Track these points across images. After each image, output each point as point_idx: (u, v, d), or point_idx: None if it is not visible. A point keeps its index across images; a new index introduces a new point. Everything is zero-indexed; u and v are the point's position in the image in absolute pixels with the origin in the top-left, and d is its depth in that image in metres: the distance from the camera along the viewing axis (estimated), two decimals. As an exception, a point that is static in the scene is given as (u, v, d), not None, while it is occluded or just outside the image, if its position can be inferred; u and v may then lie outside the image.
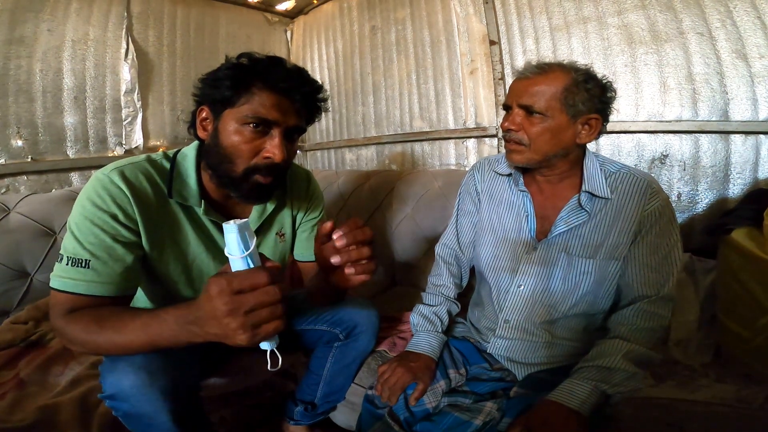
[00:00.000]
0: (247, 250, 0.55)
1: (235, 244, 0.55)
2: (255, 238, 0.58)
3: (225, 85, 0.76)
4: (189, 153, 0.87)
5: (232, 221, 0.55)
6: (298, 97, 0.79)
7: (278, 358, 0.64)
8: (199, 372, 1.00)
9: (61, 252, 0.74)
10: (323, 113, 0.89)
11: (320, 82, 0.85)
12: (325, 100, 0.87)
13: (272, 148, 0.78)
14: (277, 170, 0.81)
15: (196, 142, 0.88)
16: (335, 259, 0.69)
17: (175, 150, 0.89)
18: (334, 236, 0.68)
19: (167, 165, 0.85)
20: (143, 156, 0.84)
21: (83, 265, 0.72)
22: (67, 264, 0.72)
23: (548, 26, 1.73)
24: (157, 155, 0.86)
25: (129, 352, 0.68)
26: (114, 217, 0.74)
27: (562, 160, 0.90)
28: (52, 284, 0.73)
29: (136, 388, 0.69)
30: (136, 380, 0.69)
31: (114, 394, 0.71)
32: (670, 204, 0.89)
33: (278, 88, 0.77)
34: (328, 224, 0.67)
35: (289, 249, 1.07)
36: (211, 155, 0.82)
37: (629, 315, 0.86)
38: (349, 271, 0.68)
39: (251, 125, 0.76)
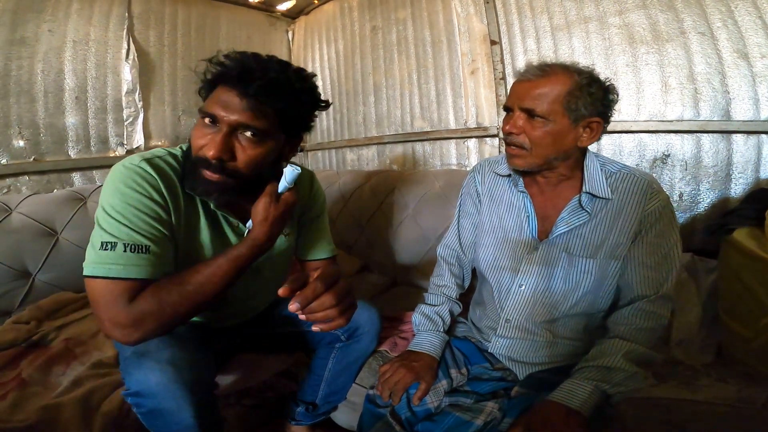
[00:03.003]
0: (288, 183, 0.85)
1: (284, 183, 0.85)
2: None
3: (204, 82, 0.81)
4: None
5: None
6: (251, 91, 0.74)
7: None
8: (215, 369, 1.00)
9: (108, 240, 0.70)
10: (321, 112, 0.88)
11: (292, 73, 0.81)
12: (298, 92, 0.81)
13: (210, 142, 0.76)
14: (221, 169, 0.76)
15: None
16: (301, 317, 0.61)
17: (188, 144, 0.89)
18: (290, 307, 0.57)
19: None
20: (164, 149, 0.86)
21: (143, 250, 0.71)
22: (125, 251, 0.70)
23: (549, 26, 1.72)
24: (176, 150, 0.88)
25: (216, 289, 0.75)
26: (156, 202, 0.76)
27: (563, 162, 0.90)
28: (107, 273, 0.69)
29: (162, 384, 0.70)
30: (162, 377, 0.70)
31: (140, 391, 0.72)
32: (670, 204, 0.89)
33: (230, 83, 0.75)
34: (283, 290, 0.56)
35: (293, 246, 1.08)
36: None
37: (628, 315, 0.87)
38: (315, 328, 0.62)
39: (205, 119, 0.77)
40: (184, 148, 0.89)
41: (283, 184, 0.85)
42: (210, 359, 0.86)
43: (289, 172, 0.84)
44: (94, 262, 0.70)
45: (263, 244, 0.82)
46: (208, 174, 0.77)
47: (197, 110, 0.80)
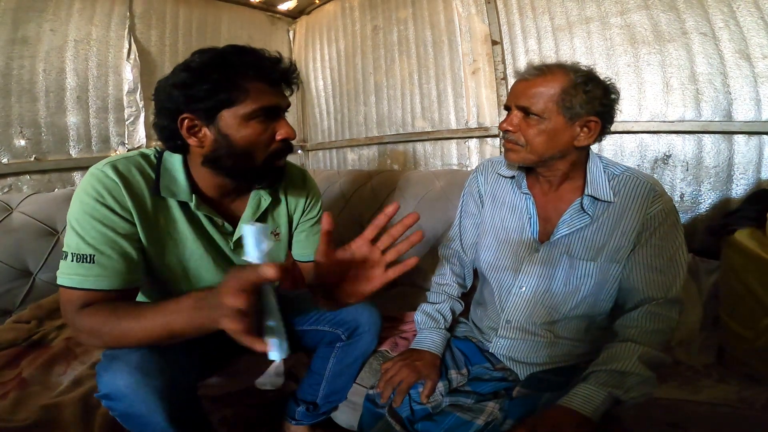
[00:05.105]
0: (258, 253, 0.56)
1: (252, 246, 0.56)
2: (268, 242, 0.57)
3: (210, 90, 0.74)
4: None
5: (249, 223, 0.57)
6: (285, 79, 0.84)
7: (282, 377, 0.60)
8: (198, 372, 1.00)
9: (64, 249, 0.74)
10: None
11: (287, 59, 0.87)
12: (298, 73, 0.91)
13: (284, 130, 0.83)
14: (289, 149, 0.86)
15: None
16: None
17: (162, 147, 0.88)
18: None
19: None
20: (136, 151, 0.85)
21: (88, 260, 0.73)
22: (72, 261, 0.73)
23: (551, 26, 1.72)
24: (150, 151, 0.87)
25: (146, 340, 0.68)
26: (112, 210, 0.75)
27: (560, 161, 0.90)
28: (60, 282, 0.73)
29: (130, 388, 0.69)
30: (129, 380, 0.69)
31: (109, 394, 0.71)
32: (674, 207, 0.89)
33: (267, 77, 0.80)
34: (326, 220, 0.67)
35: (284, 248, 1.06)
36: (219, 158, 0.80)
37: (637, 317, 0.85)
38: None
39: (260, 117, 0.79)
40: (159, 150, 0.87)
41: (252, 250, 0.55)
42: (190, 364, 0.84)
43: (252, 230, 0.55)
44: (59, 269, 0.75)
45: (208, 321, 0.60)
46: (279, 162, 0.86)
47: (250, 112, 0.77)
